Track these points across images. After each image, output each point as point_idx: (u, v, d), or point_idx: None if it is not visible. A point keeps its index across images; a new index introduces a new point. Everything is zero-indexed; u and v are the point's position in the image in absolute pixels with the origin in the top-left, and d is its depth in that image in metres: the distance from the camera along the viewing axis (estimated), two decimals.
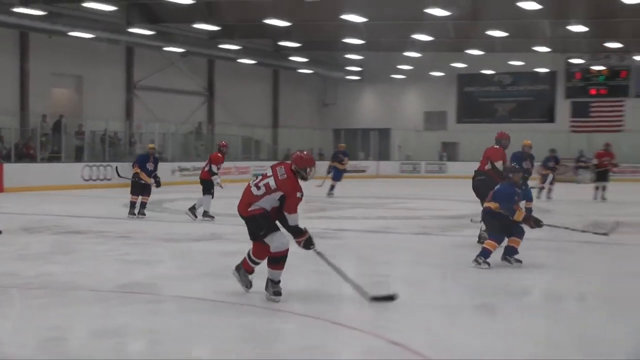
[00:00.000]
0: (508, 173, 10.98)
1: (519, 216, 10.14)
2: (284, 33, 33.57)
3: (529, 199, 14.85)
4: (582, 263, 11.41)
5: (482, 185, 12.53)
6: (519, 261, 10.38)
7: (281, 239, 7.82)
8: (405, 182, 36.28)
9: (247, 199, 7.92)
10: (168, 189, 25.92)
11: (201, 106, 39.62)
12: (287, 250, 7.87)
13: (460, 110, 45.51)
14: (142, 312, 7.59)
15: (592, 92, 42.21)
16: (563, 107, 42.84)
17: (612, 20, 29.91)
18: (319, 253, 8.05)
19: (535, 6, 25.90)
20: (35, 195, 23.65)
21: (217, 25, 31.71)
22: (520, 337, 6.66)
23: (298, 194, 7.86)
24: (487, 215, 10.49)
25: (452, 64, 42.74)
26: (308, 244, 7.91)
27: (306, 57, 41.34)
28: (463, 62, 42.15)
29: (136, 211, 16.69)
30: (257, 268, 8.29)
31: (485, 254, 10.13)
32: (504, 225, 10.18)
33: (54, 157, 29.24)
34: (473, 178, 13.25)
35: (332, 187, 23.98)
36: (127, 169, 19.39)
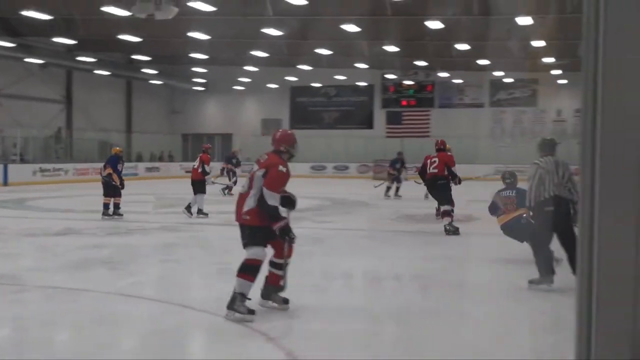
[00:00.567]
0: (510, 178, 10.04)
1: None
2: (136, 47, 32.89)
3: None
4: (396, 249, 11.75)
5: (444, 188, 12.71)
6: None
7: (260, 250, 6.51)
8: (246, 180, 36.15)
9: (240, 202, 6.63)
10: (30, 188, 24.84)
11: (60, 113, 38.16)
12: (262, 261, 6.53)
13: (292, 118, 45.93)
14: (8, 301, 7.25)
15: (403, 103, 43.56)
16: (380, 115, 44.04)
17: (420, 42, 31.08)
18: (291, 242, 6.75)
19: (356, 29, 26.62)
20: None
21: (74, 39, 30.68)
22: (346, 313, 6.78)
23: (280, 167, 6.59)
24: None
25: (286, 78, 43.13)
26: (285, 232, 6.59)
27: (156, 70, 40.68)
28: (295, 76, 42.61)
29: (111, 212, 15.25)
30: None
31: None
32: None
33: None
34: (432, 182, 13.14)
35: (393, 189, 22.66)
36: None
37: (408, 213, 17.01)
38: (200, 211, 15.75)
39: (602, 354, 1.26)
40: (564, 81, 38.79)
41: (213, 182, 15.84)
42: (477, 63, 36.70)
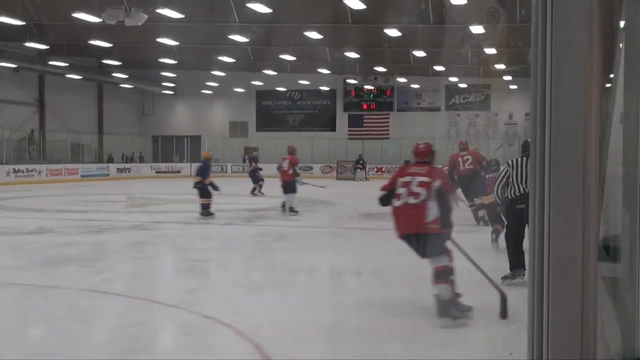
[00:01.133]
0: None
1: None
2: (107, 52, 32.53)
3: None
4: (357, 245, 11.79)
5: (481, 181, 12.34)
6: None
7: (446, 256, 6.18)
8: (214, 181, 36.00)
9: (412, 213, 6.15)
10: (3, 189, 24.43)
11: (33, 115, 37.56)
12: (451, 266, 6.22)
13: (259, 121, 45.82)
14: None
15: (364, 106, 43.75)
16: (342, 118, 44.13)
17: (379, 49, 31.24)
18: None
19: (318, 36, 26.67)
20: None
21: (46, 44, 30.27)
22: (311, 306, 6.79)
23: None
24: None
25: (252, 82, 43.00)
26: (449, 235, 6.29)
27: (127, 74, 40.30)
28: (260, 81, 42.50)
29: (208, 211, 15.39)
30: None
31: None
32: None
33: None
34: (470, 177, 13.06)
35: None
36: None
37: (368, 212, 17.07)
38: (291, 209, 15.82)
39: (555, 354, 1.28)
40: (515, 86, 39.28)
41: (303, 183, 16.18)
42: (433, 69, 37.04)
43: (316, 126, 44.03)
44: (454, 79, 40.26)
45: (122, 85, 42.48)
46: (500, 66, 33.63)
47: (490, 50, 28.86)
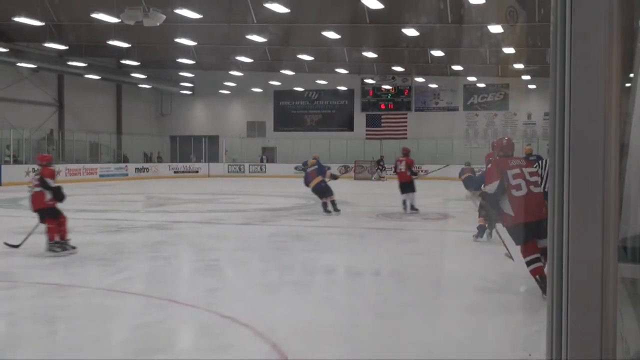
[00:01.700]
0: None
1: None
2: (125, 53, 32.74)
3: None
4: (374, 245, 11.77)
5: None
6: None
7: None
8: (232, 181, 36.21)
9: (534, 200, 6.77)
10: (23, 188, 24.63)
11: (52, 115, 37.89)
12: None
13: (276, 120, 45.89)
14: (1, 297, 7.18)
15: (382, 106, 43.69)
16: (359, 118, 44.09)
17: (397, 48, 31.19)
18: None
19: (336, 36, 26.64)
20: None
21: (65, 45, 30.49)
22: (328, 306, 6.79)
23: None
24: None
25: (270, 82, 43.08)
26: None
27: (145, 74, 40.50)
28: (278, 81, 42.57)
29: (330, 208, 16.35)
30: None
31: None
32: None
33: None
34: None
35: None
36: None
37: (385, 211, 17.04)
38: (412, 207, 16.42)
39: (574, 354, 1.27)
40: (534, 86, 39.05)
41: (426, 172, 16.99)
42: (451, 68, 36.91)
43: (334, 126, 44.02)
44: (472, 79, 40.10)
45: (140, 86, 42.71)
46: (519, 66, 33.44)
47: (509, 50, 28.71)
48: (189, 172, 40.87)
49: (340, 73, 38.89)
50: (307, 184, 16.74)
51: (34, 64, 33.19)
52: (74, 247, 10.14)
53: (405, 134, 42.26)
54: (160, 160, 43.28)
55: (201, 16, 23.66)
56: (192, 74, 42.12)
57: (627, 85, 2.83)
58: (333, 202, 16.32)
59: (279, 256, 10.17)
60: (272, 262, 9.84)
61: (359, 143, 41.68)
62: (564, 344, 1.28)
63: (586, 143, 1.27)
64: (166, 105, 47.46)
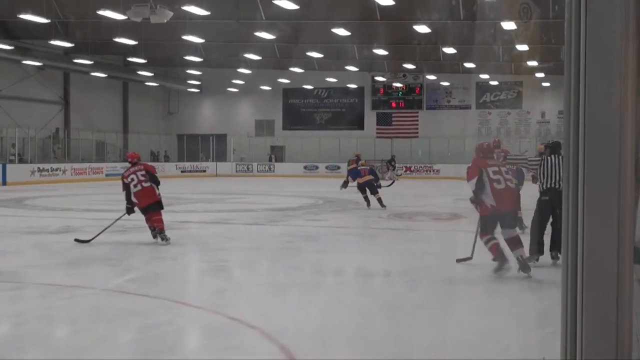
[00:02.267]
0: None
1: None
2: (132, 50, 32.83)
3: None
4: (385, 246, 11.76)
5: None
6: None
7: None
8: (240, 180, 36.26)
9: (512, 194, 8.54)
10: (28, 188, 24.76)
11: (58, 113, 38.07)
12: None
13: (285, 119, 45.94)
14: (6, 297, 7.22)
15: (393, 104, 43.65)
16: (370, 116, 44.08)
17: (408, 45, 31.14)
18: None
19: (346, 33, 26.63)
20: None
21: (71, 42, 30.60)
22: (338, 307, 6.80)
23: None
24: None
25: (278, 80, 43.12)
26: None
27: (152, 72, 40.62)
28: (287, 78, 42.61)
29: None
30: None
31: None
32: None
33: None
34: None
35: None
36: None
37: (396, 212, 17.03)
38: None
39: (589, 355, 1.27)
40: (548, 84, 38.93)
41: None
42: (463, 66, 36.83)
43: (344, 125, 44.02)
44: (484, 76, 40.01)
45: (147, 84, 42.85)
46: (533, 63, 33.34)
47: (523, 47, 28.62)
48: (197, 171, 40.96)
49: (351, 71, 38.87)
50: (354, 178, 18.79)
51: (39, 62, 33.36)
52: (169, 239, 11.11)
53: (417, 132, 42.23)
54: (167, 159, 43.38)
55: (209, 13, 23.69)
56: (200, 71, 42.22)
57: None
58: (380, 200, 17.54)
59: (287, 257, 10.18)
60: (280, 262, 9.85)
61: (370, 142, 41.66)
62: (578, 344, 1.28)
63: (602, 142, 1.27)
64: (173, 103, 47.58)
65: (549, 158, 8.97)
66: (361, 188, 18.11)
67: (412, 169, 38.60)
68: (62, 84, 38.43)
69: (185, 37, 27.95)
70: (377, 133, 43.37)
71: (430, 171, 38.45)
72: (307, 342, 5.58)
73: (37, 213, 16.73)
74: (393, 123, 43.44)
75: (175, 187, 23.86)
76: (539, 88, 39.65)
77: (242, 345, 5.52)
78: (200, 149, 44.69)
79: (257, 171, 41.49)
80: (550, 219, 8.72)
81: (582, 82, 1.29)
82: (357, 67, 38.30)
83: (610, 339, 1.27)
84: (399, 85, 43.36)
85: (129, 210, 11.59)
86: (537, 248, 8.61)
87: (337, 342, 5.63)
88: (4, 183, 28.01)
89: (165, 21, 22.11)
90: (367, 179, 18.07)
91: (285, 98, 45.75)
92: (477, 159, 8.47)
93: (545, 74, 37.00)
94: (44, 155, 34.95)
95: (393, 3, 21.84)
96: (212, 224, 14.69)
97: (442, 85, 42.16)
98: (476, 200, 8.24)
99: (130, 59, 36.81)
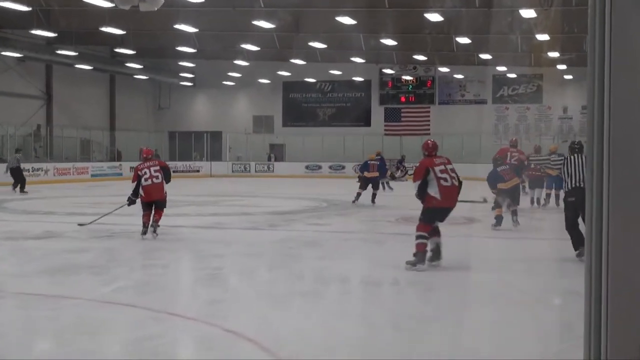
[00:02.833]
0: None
1: None
2: (120, 40, 32.86)
3: None
4: (393, 252, 11.72)
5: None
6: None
7: None
8: (236, 181, 36.27)
9: (454, 191, 9.32)
10: (6, 189, 24.76)
11: (39, 109, 38.10)
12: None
13: (285, 115, 45.96)
14: None
15: (402, 99, 43.64)
16: (377, 112, 44.08)
17: (419, 35, 31.13)
18: None
19: (351, 21, 26.60)
20: None
21: (54, 32, 30.62)
22: (341, 319, 6.79)
23: None
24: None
25: (278, 72, 43.12)
26: None
27: (141, 64, 40.66)
28: (287, 71, 42.59)
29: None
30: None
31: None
32: None
33: None
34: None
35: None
36: None
37: (406, 215, 17.02)
38: (538, 201, 18.53)
39: (613, 354, 1.27)
40: (570, 76, 38.90)
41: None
42: (479, 57, 36.79)
43: (349, 121, 44.01)
44: (502, 69, 39.97)
45: (136, 77, 42.88)
46: (554, 54, 33.29)
47: (543, 37, 28.58)
48: (190, 171, 40.98)
49: (356, 62, 38.86)
50: (363, 172, 19.98)
51: (19, 53, 33.38)
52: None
53: (428, 129, 42.18)
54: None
55: (203, 0, 23.71)
56: (193, 63, 42.23)
57: None
58: (374, 196, 19.34)
59: (288, 264, 10.18)
60: (280, 270, 9.85)
61: (377, 139, 41.58)
62: (602, 343, 1.28)
63: (627, 138, 1.27)
64: (164, 98, 47.63)
65: (572, 157, 9.85)
66: (364, 183, 19.34)
67: None
68: (45, 77, 38.46)
69: (177, 27, 27.95)
70: (385, 130, 43.36)
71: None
72: (308, 356, 5.59)
73: (16, 217, 16.74)
74: (402, 119, 43.43)
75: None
76: (560, 81, 39.60)
77: None
78: (193, 147, 44.72)
79: (255, 171, 41.51)
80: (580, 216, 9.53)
81: (606, 75, 1.28)
82: (363, 58, 38.27)
83: (635, 340, 1.27)
84: (408, 78, 43.34)
85: (131, 202, 12.58)
86: (580, 242, 9.42)
87: (340, 356, 5.63)
88: None
89: (156, 9, 22.08)
90: (373, 175, 19.44)
91: (285, 92, 45.77)
92: (424, 159, 9.41)
93: (567, 65, 36.95)
94: (24, 154, 34.95)
95: None
96: (207, 229, 14.69)
97: (455, 78, 42.13)
98: (420, 197, 9.31)
99: (117, 50, 36.85)
